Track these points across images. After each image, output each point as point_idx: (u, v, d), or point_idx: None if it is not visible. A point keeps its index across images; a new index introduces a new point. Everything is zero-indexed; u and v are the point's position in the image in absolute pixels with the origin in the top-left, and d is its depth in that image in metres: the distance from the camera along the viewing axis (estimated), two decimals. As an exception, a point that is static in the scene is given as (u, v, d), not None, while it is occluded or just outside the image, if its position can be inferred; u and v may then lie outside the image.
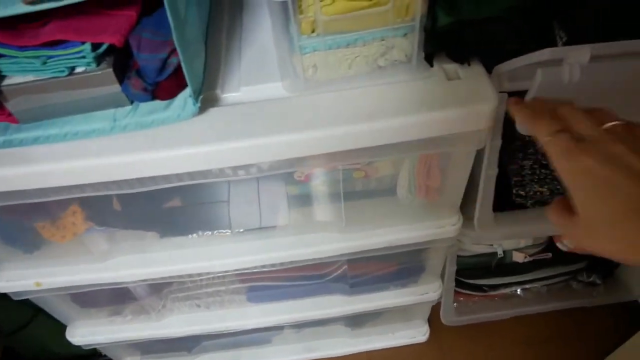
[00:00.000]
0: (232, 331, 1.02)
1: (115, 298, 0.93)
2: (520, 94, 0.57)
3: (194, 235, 0.79)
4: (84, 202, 0.73)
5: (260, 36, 0.70)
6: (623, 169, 0.34)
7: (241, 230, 0.79)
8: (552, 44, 0.61)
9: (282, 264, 0.82)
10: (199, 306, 0.99)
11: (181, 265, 0.79)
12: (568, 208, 0.38)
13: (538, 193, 0.81)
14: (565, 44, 0.61)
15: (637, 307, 1.21)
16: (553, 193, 0.81)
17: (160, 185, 0.62)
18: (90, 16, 0.53)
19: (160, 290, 0.94)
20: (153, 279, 0.81)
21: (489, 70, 0.62)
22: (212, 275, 0.85)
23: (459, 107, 0.58)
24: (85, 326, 0.97)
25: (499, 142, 0.68)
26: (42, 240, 0.76)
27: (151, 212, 0.76)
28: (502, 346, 1.23)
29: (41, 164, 0.57)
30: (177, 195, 0.75)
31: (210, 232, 0.79)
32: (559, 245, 1.12)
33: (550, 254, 1.13)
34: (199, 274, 0.82)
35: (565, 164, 0.37)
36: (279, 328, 1.18)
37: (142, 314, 0.98)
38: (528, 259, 1.12)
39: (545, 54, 0.50)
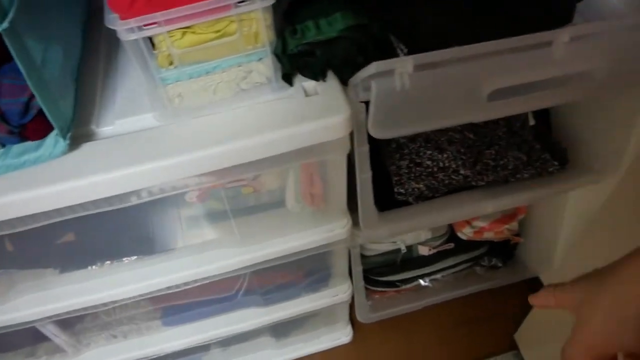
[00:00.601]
0: (153, 357, 1.04)
1: (24, 340, 0.93)
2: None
3: (94, 267, 0.81)
4: (-25, 247, 0.73)
5: (135, 71, 0.73)
6: None
7: (142, 256, 0.82)
8: (395, 56, 0.68)
9: (185, 283, 0.85)
10: (115, 337, 1.00)
11: (85, 297, 0.80)
12: None
13: (416, 189, 0.88)
14: (407, 54, 0.68)
15: (538, 283, 1.32)
16: (429, 188, 0.89)
17: (42, 222, 0.64)
18: (-52, 67, 0.55)
19: (73, 325, 0.94)
20: (57, 315, 0.82)
21: (345, 82, 0.68)
22: (120, 304, 0.87)
23: (316, 120, 0.64)
24: (-2, 373, 0.96)
25: (366, 148, 0.74)
26: None
27: (45, 249, 0.77)
28: (421, 335, 1.30)
29: None
30: (71, 230, 0.77)
31: (109, 262, 0.81)
32: (459, 234, 1.21)
33: (452, 244, 1.22)
34: (105, 304, 0.83)
35: None
36: (205, 348, 1.20)
37: (57, 352, 0.97)
38: (433, 251, 1.20)
39: (372, 67, 0.57)
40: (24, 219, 0.63)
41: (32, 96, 0.57)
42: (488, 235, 1.21)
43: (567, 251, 1.17)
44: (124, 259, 0.81)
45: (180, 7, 0.53)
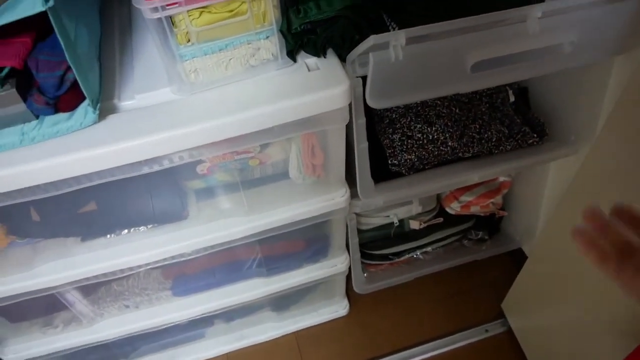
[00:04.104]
0: (163, 326, 1.10)
1: (44, 309, 0.99)
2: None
3: (113, 235, 0.87)
4: (4, 217, 0.80)
5: (149, 49, 0.80)
6: None
7: (157, 225, 0.88)
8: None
9: (197, 250, 0.91)
10: (127, 307, 1.06)
11: (104, 263, 0.87)
12: None
13: (408, 160, 0.96)
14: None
15: (521, 253, 1.40)
16: (420, 159, 0.97)
17: (73, 186, 0.70)
18: (-11, 45, 0.62)
19: (88, 295, 1.00)
20: (79, 281, 0.88)
21: (343, 59, 0.76)
22: (134, 272, 0.93)
23: (318, 91, 0.71)
24: (17, 343, 1.02)
25: (363, 120, 0.82)
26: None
27: (69, 218, 0.84)
28: (414, 306, 1.38)
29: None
30: (93, 199, 0.83)
31: (127, 230, 0.88)
32: (448, 209, 1.29)
33: (441, 219, 1.30)
34: (122, 270, 0.90)
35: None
36: (210, 322, 1.27)
37: (72, 322, 1.03)
38: (423, 225, 1.28)
39: (370, 40, 0.64)
40: (56, 184, 0.69)
41: (66, 70, 0.63)
42: (474, 210, 1.29)
43: (548, 222, 1.25)
44: (141, 227, 0.88)
45: (199, -12, 0.60)
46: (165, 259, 0.91)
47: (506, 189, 1.29)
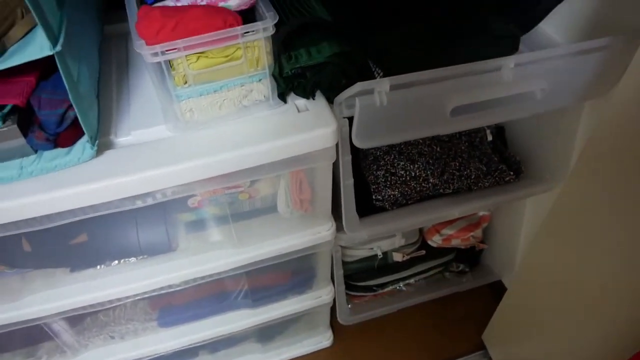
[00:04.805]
0: (147, 357, 1.10)
1: (28, 339, 0.99)
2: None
3: (102, 266, 0.89)
4: (-5, 247, 0.81)
5: (146, 88, 0.83)
6: None
7: (146, 256, 0.90)
8: (373, 78, 0.80)
9: (185, 282, 0.93)
10: (113, 337, 1.06)
11: (93, 294, 0.88)
12: None
13: (392, 196, 1.00)
14: (383, 77, 0.80)
15: (501, 285, 1.44)
16: (403, 195, 1.01)
17: (67, 219, 0.72)
18: (-6, 83, 0.64)
19: (74, 325, 1.01)
20: (66, 312, 0.89)
21: (331, 101, 0.80)
22: (122, 303, 0.94)
23: (307, 132, 0.75)
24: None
25: (349, 158, 0.86)
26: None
27: (60, 249, 0.85)
28: (397, 337, 1.40)
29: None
30: (84, 231, 0.85)
31: (117, 262, 0.89)
32: (430, 242, 1.33)
33: (424, 251, 1.34)
34: (110, 301, 0.91)
35: None
36: (194, 353, 1.27)
37: (57, 353, 1.03)
38: (406, 257, 1.32)
39: (357, 86, 0.69)
40: (52, 217, 0.71)
41: (67, 108, 0.66)
42: (455, 243, 1.33)
43: (526, 255, 1.29)
44: (131, 258, 0.90)
45: (198, 36, 0.64)
46: (153, 290, 0.92)
47: (486, 223, 1.34)
